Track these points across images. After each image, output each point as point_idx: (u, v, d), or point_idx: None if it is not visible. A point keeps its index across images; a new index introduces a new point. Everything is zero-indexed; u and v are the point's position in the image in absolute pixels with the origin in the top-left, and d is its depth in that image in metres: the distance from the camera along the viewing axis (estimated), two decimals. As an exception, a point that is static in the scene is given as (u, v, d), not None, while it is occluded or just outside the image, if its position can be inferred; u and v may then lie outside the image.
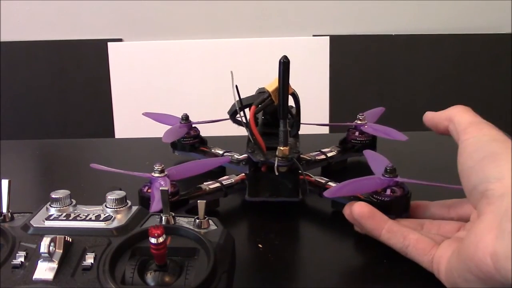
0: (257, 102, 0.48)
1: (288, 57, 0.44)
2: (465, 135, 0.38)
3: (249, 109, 0.48)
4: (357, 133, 0.61)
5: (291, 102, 0.48)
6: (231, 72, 0.46)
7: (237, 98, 0.48)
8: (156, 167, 0.48)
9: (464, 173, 0.36)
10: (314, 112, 1.52)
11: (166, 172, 0.48)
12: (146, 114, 0.67)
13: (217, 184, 0.52)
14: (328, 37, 1.55)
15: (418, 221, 0.45)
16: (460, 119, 0.40)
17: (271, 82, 0.48)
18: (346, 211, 0.45)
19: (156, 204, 0.44)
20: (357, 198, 0.48)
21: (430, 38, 1.57)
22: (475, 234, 0.32)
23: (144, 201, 0.47)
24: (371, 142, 0.61)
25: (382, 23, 1.56)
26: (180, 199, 0.48)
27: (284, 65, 0.44)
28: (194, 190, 0.50)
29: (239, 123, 0.51)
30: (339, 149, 0.61)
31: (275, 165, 0.47)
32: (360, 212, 0.43)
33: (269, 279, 0.41)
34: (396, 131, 0.59)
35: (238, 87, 0.47)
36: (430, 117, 0.44)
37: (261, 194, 0.50)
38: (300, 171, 0.49)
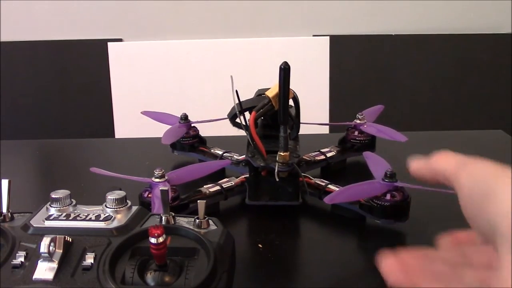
0: (258, 107, 0.48)
1: (288, 57, 0.44)
2: (457, 182, 0.32)
3: (249, 113, 0.47)
4: (356, 133, 0.61)
5: (290, 102, 0.48)
6: (231, 76, 0.46)
7: (237, 102, 0.48)
8: (156, 172, 0.48)
9: (469, 217, 0.31)
10: (314, 112, 1.52)
11: (166, 177, 0.48)
12: (145, 113, 0.66)
13: (217, 187, 0.52)
14: (328, 37, 1.55)
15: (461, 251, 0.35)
16: (444, 167, 0.34)
17: (271, 88, 0.48)
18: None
19: (157, 211, 0.44)
20: (357, 202, 0.48)
21: (430, 38, 1.57)
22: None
23: (145, 206, 0.47)
24: (370, 142, 0.61)
25: (382, 23, 1.56)
26: (181, 204, 0.48)
27: (285, 71, 0.43)
28: (194, 194, 0.50)
29: (239, 126, 0.51)
30: (338, 149, 0.61)
31: (276, 170, 0.47)
32: (388, 270, 0.32)
33: (269, 279, 0.41)
34: (396, 132, 0.59)
35: (238, 87, 0.47)
36: (416, 170, 0.39)
37: (261, 198, 0.51)
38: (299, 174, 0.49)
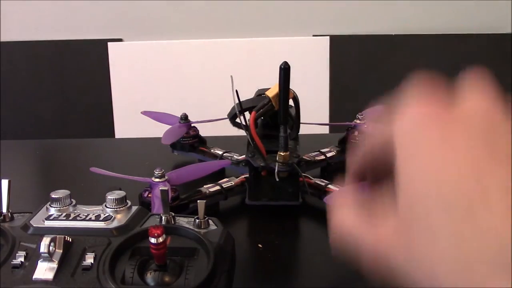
0: (258, 107, 0.48)
1: (288, 57, 0.44)
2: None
3: (249, 113, 0.47)
4: (356, 133, 0.61)
5: (290, 102, 0.48)
6: (231, 76, 0.46)
7: (237, 102, 0.48)
8: (156, 172, 0.48)
9: None
10: (314, 112, 1.52)
11: (166, 177, 0.48)
12: (145, 113, 0.67)
13: (217, 187, 0.52)
14: (328, 37, 1.55)
15: None
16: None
17: (271, 88, 0.48)
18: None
19: (157, 211, 0.44)
20: None
21: (430, 38, 1.57)
22: None
23: (145, 206, 0.47)
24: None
25: (382, 23, 1.56)
26: (181, 204, 0.48)
27: (285, 71, 0.43)
28: (194, 194, 0.50)
29: (239, 126, 0.51)
30: (338, 149, 0.61)
31: (276, 170, 0.47)
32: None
33: (269, 279, 0.41)
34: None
35: (238, 87, 0.47)
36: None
37: (261, 198, 0.51)
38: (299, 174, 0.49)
